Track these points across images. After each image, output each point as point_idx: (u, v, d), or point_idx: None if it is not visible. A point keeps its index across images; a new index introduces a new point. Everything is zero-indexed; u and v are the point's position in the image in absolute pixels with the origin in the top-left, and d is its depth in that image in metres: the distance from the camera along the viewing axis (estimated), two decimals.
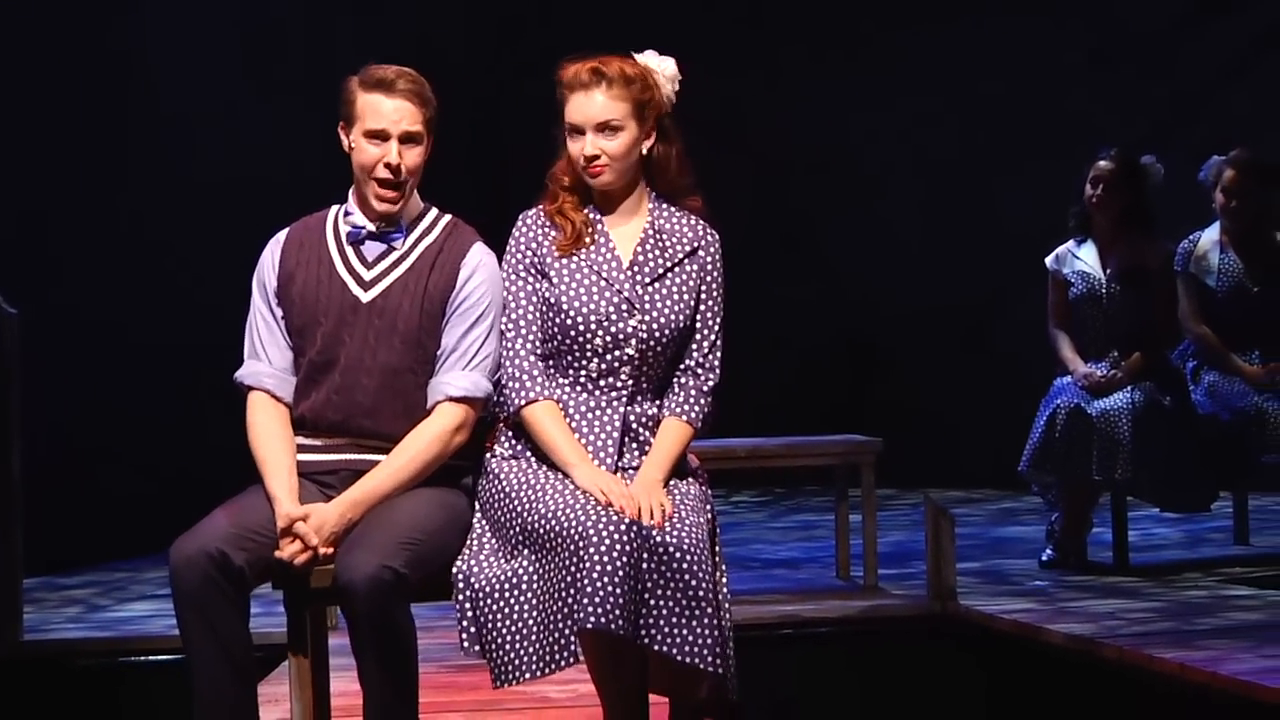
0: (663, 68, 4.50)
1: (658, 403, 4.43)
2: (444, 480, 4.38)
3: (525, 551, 4.20)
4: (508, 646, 4.15)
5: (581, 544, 4.06)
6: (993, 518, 9.22)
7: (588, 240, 4.43)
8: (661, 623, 4.09)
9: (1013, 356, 9.46)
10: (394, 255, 4.44)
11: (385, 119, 4.36)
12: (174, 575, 4.12)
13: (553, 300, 4.38)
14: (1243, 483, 7.68)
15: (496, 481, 4.35)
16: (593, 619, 4.00)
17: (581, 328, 4.36)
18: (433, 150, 4.45)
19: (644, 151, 4.45)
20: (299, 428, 4.41)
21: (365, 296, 4.41)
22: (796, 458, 7.42)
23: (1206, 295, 7.50)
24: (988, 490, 9.90)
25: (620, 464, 4.35)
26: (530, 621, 4.15)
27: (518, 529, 4.23)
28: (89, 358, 8.44)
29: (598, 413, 4.37)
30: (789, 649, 6.42)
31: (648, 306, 4.39)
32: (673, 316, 4.40)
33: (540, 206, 4.49)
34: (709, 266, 4.47)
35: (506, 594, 4.18)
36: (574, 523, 4.10)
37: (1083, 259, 7.39)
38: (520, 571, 4.19)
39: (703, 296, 4.46)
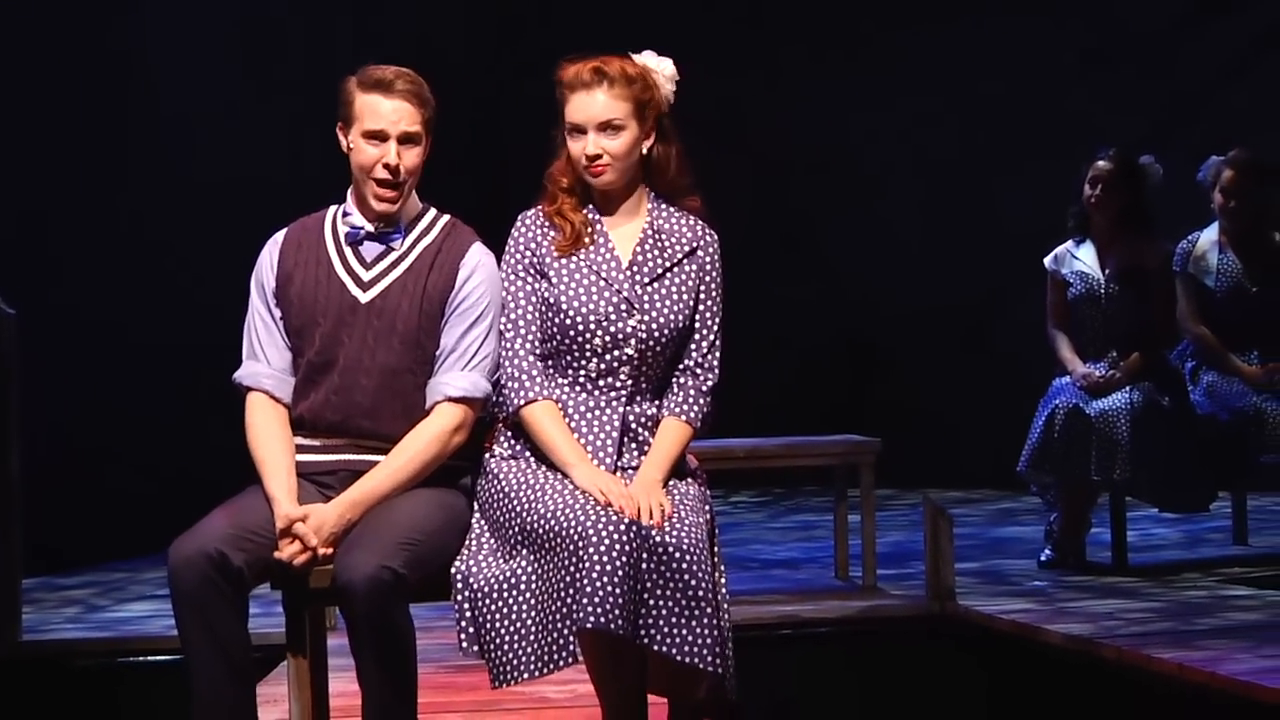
0: (661, 68, 4.50)
1: (657, 403, 4.43)
2: (443, 480, 4.39)
3: (524, 551, 4.20)
4: (506, 647, 4.16)
5: (581, 544, 4.07)
6: (991, 518, 9.22)
7: (587, 240, 4.43)
8: (661, 623, 4.10)
9: (1012, 357, 9.46)
10: (392, 256, 4.44)
11: (384, 119, 4.36)
12: (172, 576, 4.13)
13: (552, 300, 4.39)
14: (1241, 483, 7.68)
15: (495, 481, 4.35)
16: (592, 619, 4.01)
17: (581, 327, 4.36)
18: (431, 150, 4.45)
19: (644, 151, 4.46)
20: (297, 428, 4.41)
21: (364, 297, 4.41)
22: (795, 458, 7.42)
23: (1205, 295, 7.50)
24: (986, 490, 9.90)
25: (620, 464, 4.35)
26: (529, 621, 4.15)
27: (517, 529, 4.23)
28: (89, 358, 8.44)
29: (597, 413, 4.37)
30: (788, 649, 6.42)
31: (647, 306, 4.39)
32: (672, 316, 4.40)
33: (539, 207, 4.49)
34: (708, 266, 4.47)
35: (505, 594, 4.18)
36: (573, 523, 4.10)
37: (1081, 259, 7.39)
38: (519, 572, 4.19)
39: (702, 296, 4.46)
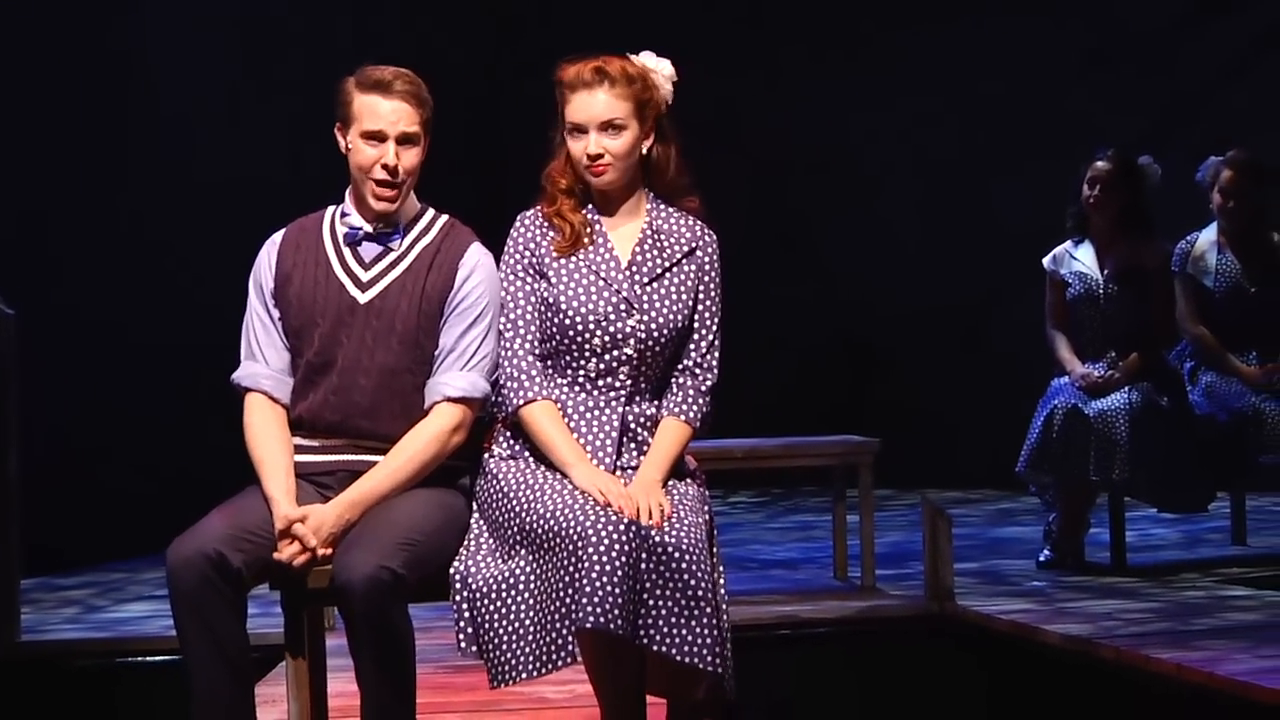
0: (660, 68, 4.51)
1: (656, 403, 4.43)
2: (442, 481, 4.39)
3: (523, 551, 4.20)
4: (505, 647, 4.16)
5: (580, 544, 4.07)
6: (990, 518, 9.22)
7: (586, 241, 4.43)
8: (660, 623, 4.10)
9: (1010, 357, 9.46)
10: (391, 256, 4.44)
11: (382, 120, 4.36)
12: (171, 576, 4.13)
13: (551, 300, 4.39)
14: (1240, 483, 7.68)
15: (495, 481, 4.35)
16: (591, 619, 4.01)
17: (580, 327, 4.37)
18: (430, 151, 4.45)
19: (643, 152, 4.46)
20: (296, 428, 4.41)
21: (363, 298, 4.41)
22: (794, 458, 7.42)
23: (1204, 296, 7.50)
24: (985, 491, 9.91)
25: (619, 464, 4.36)
26: (527, 621, 4.15)
27: (516, 529, 4.23)
28: (88, 358, 8.45)
29: (596, 412, 4.38)
30: (786, 649, 6.41)
31: (646, 306, 4.39)
32: (671, 316, 4.41)
33: (538, 208, 4.49)
34: (707, 267, 4.48)
35: (504, 594, 4.18)
36: (573, 522, 4.10)
37: (1080, 259, 7.39)
38: (518, 572, 4.19)
39: (701, 296, 4.46)
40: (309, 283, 4.42)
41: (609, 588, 4.02)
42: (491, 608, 4.18)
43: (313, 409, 4.40)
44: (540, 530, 4.16)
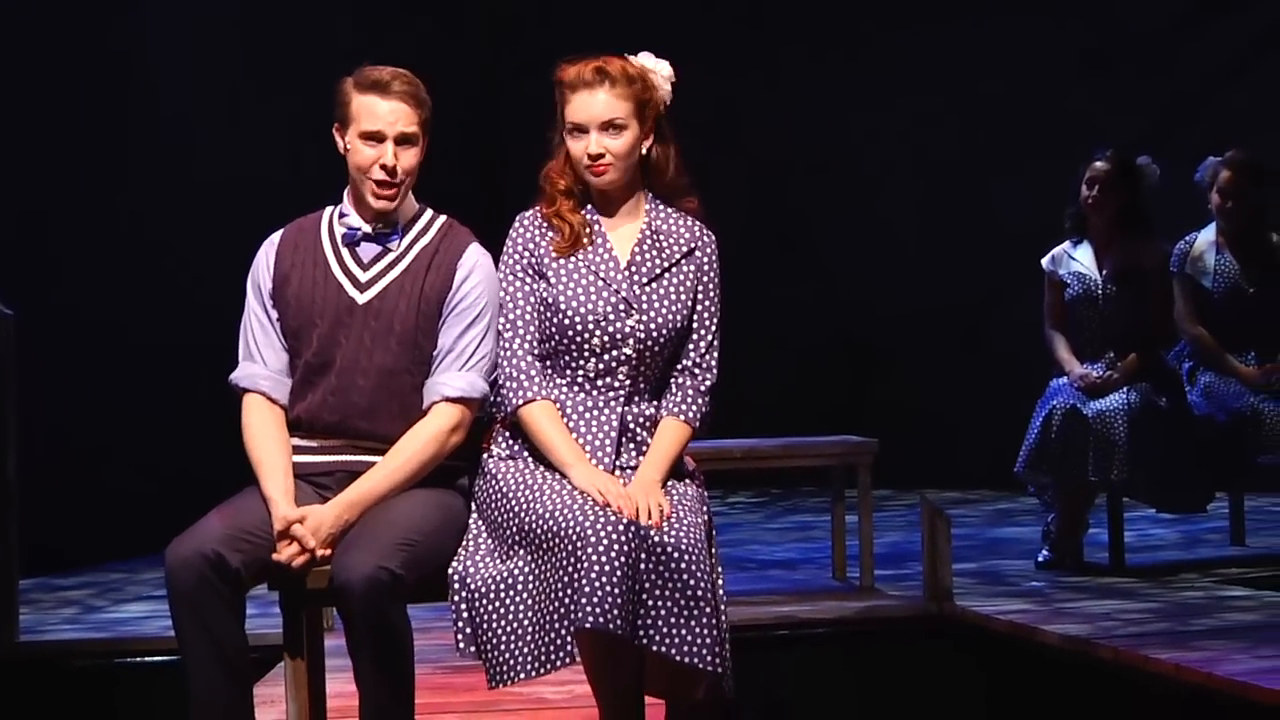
0: (659, 68, 4.51)
1: (655, 403, 4.43)
2: (440, 481, 4.39)
3: (522, 552, 4.21)
4: (503, 647, 4.16)
5: (579, 544, 4.07)
6: (989, 518, 9.22)
7: (585, 241, 4.44)
8: (660, 623, 4.10)
9: (1009, 357, 9.46)
10: (390, 257, 4.44)
11: (381, 120, 4.36)
12: (169, 577, 4.13)
13: (550, 300, 4.39)
14: (1239, 483, 7.68)
15: (493, 481, 4.35)
16: (591, 619, 4.01)
17: (579, 327, 4.37)
18: (428, 151, 4.45)
19: (643, 152, 4.47)
20: (295, 429, 4.41)
21: (361, 298, 4.41)
22: (793, 459, 7.42)
23: (1203, 296, 7.50)
24: (984, 491, 9.91)
25: (618, 463, 4.36)
26: (526, 622, 4.15)
27: (515, 529, 4.23)
28: (88, 358, 8.45)
29: (595, 412, 4.38)
30: (785, 650, 6.41)
31: (645, 306, 4.40)
32: (670, 316, 4.41)
33: (537, 208, 4.49)
34: (706, 267, 4.48)
35: (502, 594, 4.18)
36: (572, 523, 4.11)
37: (1079, 260, 7.40)
38: (516, 572, 4.19)
39: (700, 297, 4.47)
40: (307, 283, 4.42)
41: (608, 588, 4.02)
42: (490, 608, 4.18)
43: (311, 409, 4.40)
44: (539, 530, 4.16)
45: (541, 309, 4.41)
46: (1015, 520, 9.01)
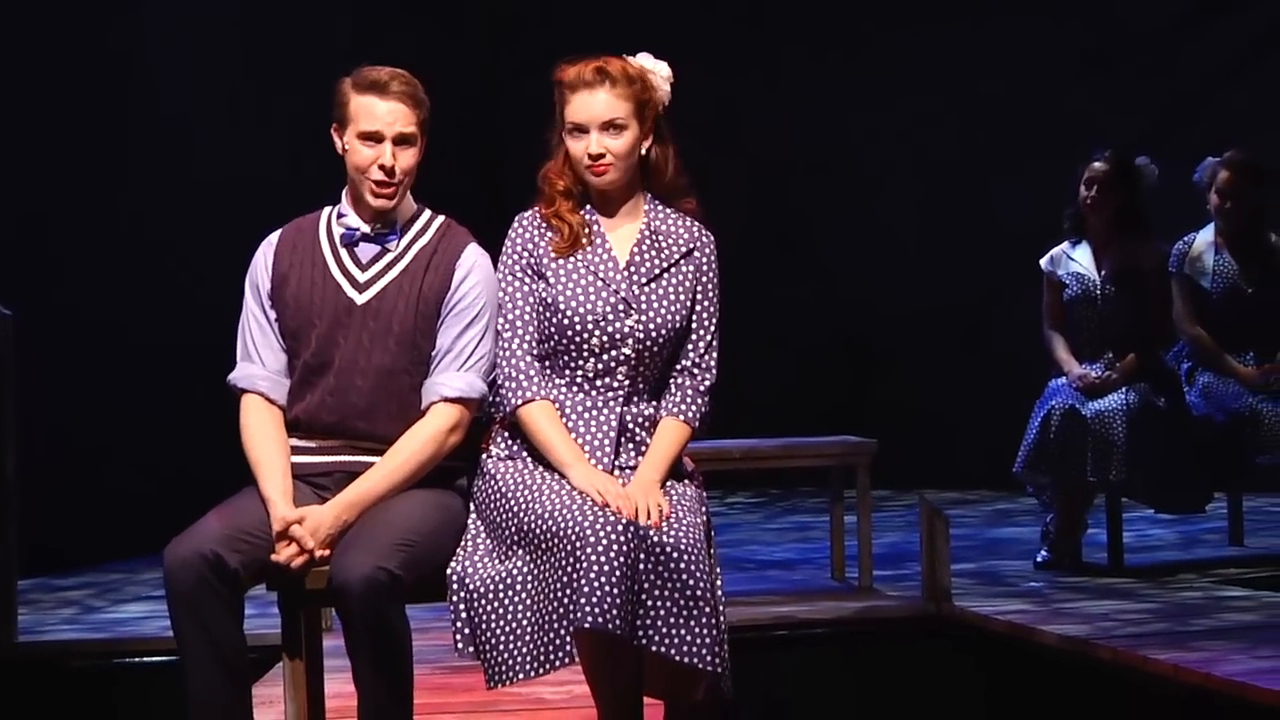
0: (658, 69, 4.52)
1: (654, 403, 4.44)
2: (439, 481, 4.39)
3: (520, 552, 4.21)
4: (502, 647, 4.16)
5: (578, 544, 4.07)
6: (988, 519, 9.22)
7: (585, 242, 4.44)
8: (659, 623, 4.10)
9: (1008, 357, 9.46)
10: (388, 257, 4.45)
11: (379, 121, 4.36)
12: (168, 577, 4.13)
13: (550, 300, 4.39)
14: (1237, 484, 7.68)
15: (492, 482, 4.35)
16: (590, 619, 4.01)
17: (579, 327, 4.37)
18: (427, 151, 4.45)
19: (642, 152, 4.47)
20: (293, 430, 4.41)
21: (360, 298, 4.41)
22: (792, 459, 7.42)
23: (1201, 296, 7.50)
24: (983, 491, 9.91)
25: (617, 463, 4.36)
26: (525, 622, 4.15)
27: (513, 529, 4.23)
28: (87, 358, 8.45)
29: (594, 412, 4.38)
30: (784, 650, 6.42)
31: (644, 306, 4.40)
32: (669, 316, 4.41)
33: (536, 209, 4.50)
34: (705, 267, 4.49)
35: (501, 595, 4.18)
36: (571, 523, 4.11)
37: (1077, 260, 7.40)
38: (515, 572, 4.19)
39: (699, 297, 4.47)
40: (306, 283, 4.42)
41: (607, 588, 4.02)
42: (489, 608, 4.18)
43: (309, 410, 4.40)
44: (538, 530, 4.16)
45: (541, 309, 4.41)
46: (1014, 520, 9.01)
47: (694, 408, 4.44)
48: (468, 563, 4.27)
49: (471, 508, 4.41)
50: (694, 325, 4.46)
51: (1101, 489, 7.27)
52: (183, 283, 8.80)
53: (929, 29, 10.56)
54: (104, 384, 8.53)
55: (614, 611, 4.02)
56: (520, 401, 4.37)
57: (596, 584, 4.03)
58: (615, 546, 4.06)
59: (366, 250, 4.45)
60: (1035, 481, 7.39)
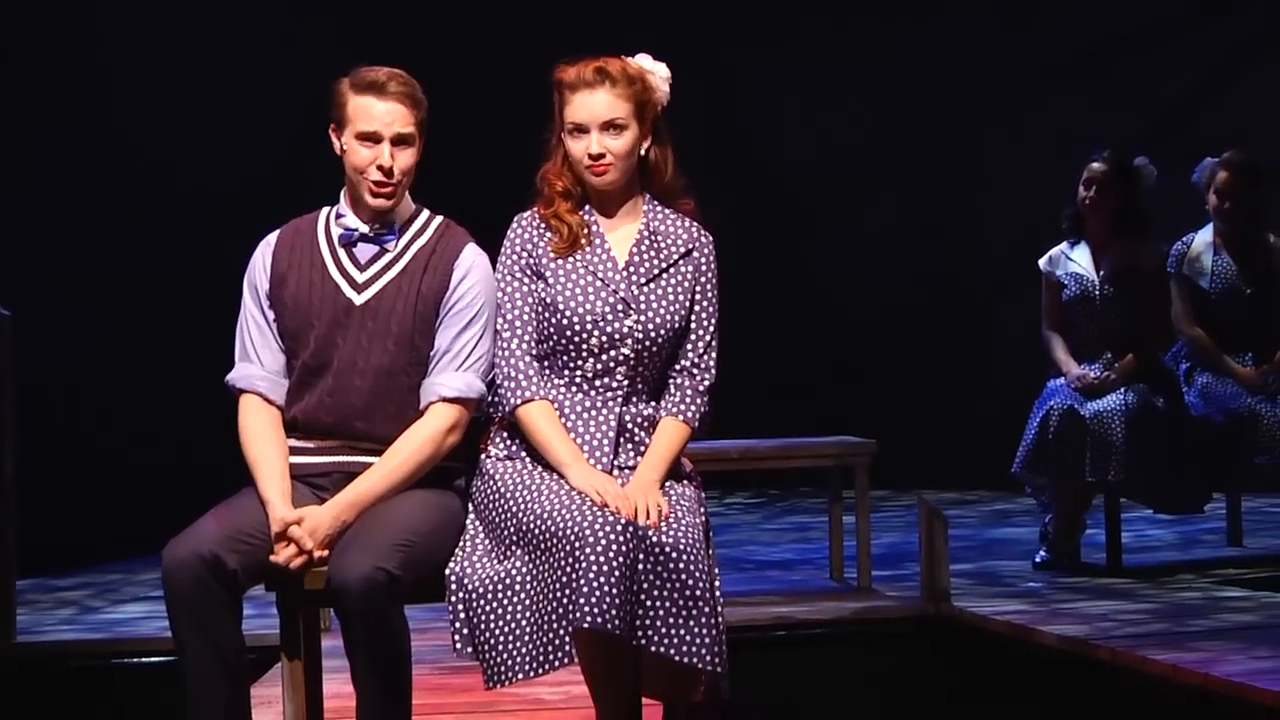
0: (656, 70, 4.52)
1: (653, 403, 4.44)
2: (437, 482, 4.39)
3: (519, 552, 4.20)
4: (500, 647, 4.16)
5: (578, 544, 4.07)
6: (986, 519, 9.22)
7: (583, 242, 4.44)
8: (659, 623, 4.10)
9: (1007, 358, 9.47)
10: (387, 257, 4.44)
11: (377, 121, 4.36)
12: (166, 578, 4.13)
13: (549, 300, 4.39)
14: (1236, 484, 7.68)
15: (491, 482, 4.35)
16: (589, 619, 4.01)
17: (577, 327, 4.37)
18: (425, 151, 4.45)
19: (641, 153, 4.47)
20: (291, 430, 4.41)
21: (358, 299, 4.41)
22: (790, 459, 7.42)
23: (1200, 297, 7.50)
24: (981, 492, 9.90)
25: (616, 463, 4.36)
26: (523, 622, 4.15)
27: (512, 529, 4.23)
28: (85, 358, 8.45)
29: (593, 412, 4.38)
30: (783, 650, 6.42)
31: (643, 306, 4.40)
32: (668, 317, 4.41)
33: (535, 209, 4.49)
34: (703, 268, 4.48)
35: (500, 595, 4.18)
36: (570, 523, 4.10)
37: (1076, 261, 7.40)
38: (514, 572, 4.19)
39: (697, 297, 4.47)
40: (304, 284, 4.42)
41: (606, 588, 4.02)
42: (487, 608, 4.18)
43: (308, 410, 4.39)
44: (537, 530, 4.16)
45: (540, 309, 4.41)
46: (1013, 521, 9.01)
47: (693, 408, 4.43)
48: (466, 563, 4.27)
49: (470, 508, 4.41)
50: (693, 325, 4.46)
51: (1100, 489, 7.27)
52: (181, 283, 8.79)
53: (926, 29, 10.55)
54: (100, 385, 8.53)
55: (613, 611, 4.01)
56: (519, 401, 4.36)
57: (596, 584, 4.02)
58: (614, 546, 4.06)
59: (365, 251, 4.45)
60: (1034, 482, 7.40)
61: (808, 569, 7.80)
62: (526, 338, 4.41)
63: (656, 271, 4.44)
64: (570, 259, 4.42)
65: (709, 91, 10.23)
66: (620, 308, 4.39)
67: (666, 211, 4.51)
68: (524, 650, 4.13)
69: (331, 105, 4.42)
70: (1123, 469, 7.08)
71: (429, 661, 5.60)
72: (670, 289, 4.44)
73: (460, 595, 4.23)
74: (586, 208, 4.48)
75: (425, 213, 4.51)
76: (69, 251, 8.49)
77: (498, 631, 4.16)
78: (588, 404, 4.39)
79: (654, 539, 4.12)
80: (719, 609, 4.21)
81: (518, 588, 4.17)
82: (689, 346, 4.46)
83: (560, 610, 4.07)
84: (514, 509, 4.24)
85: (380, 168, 4.37)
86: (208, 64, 9.15)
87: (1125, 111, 9.94)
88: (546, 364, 4.41)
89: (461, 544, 4.33)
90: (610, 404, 4.39)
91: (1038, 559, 7.45)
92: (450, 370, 4.38)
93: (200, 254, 8.44)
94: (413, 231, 4.47)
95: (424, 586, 4.23)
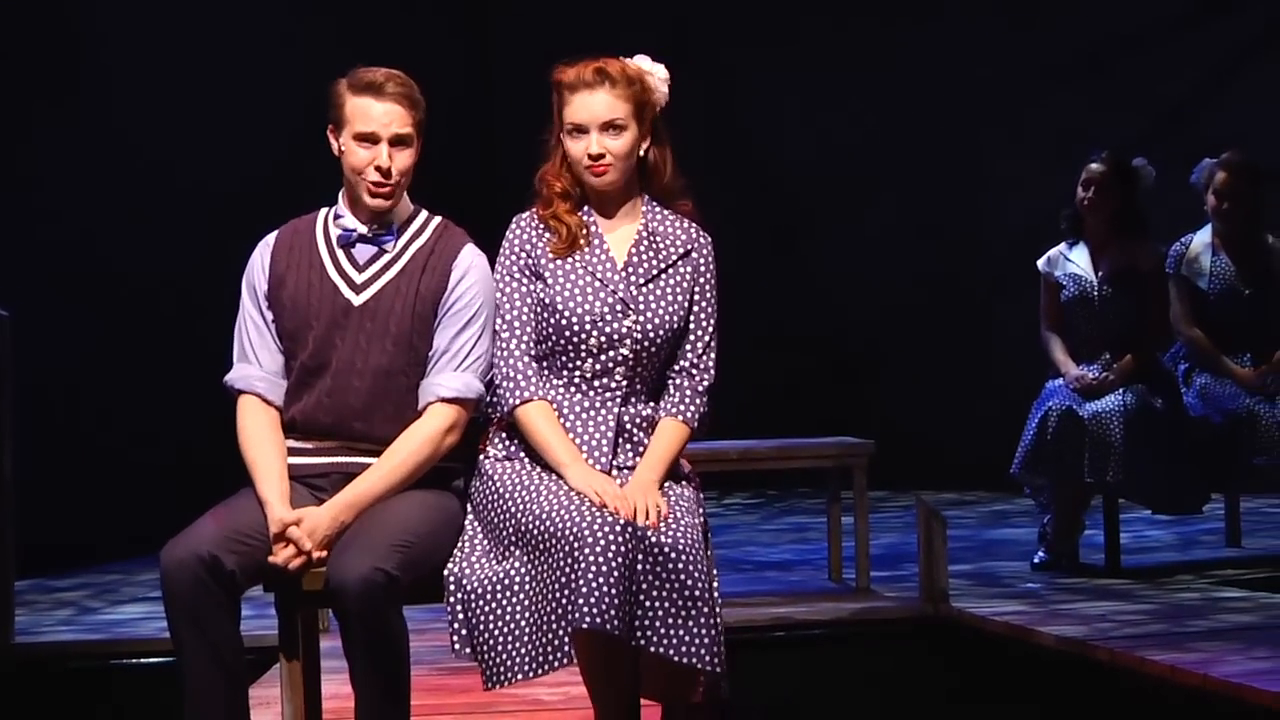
0: (655, 71, 4.52)
1: (652, 404, 4.44)
2: (436, 482, 4.39)
3: (518, 552, 4.20)
4: (499, 648, 4.16)
5: (576, 544, 4.07)
6: (985, 520, 9.22)
7: (582, 243, 4.44)
8: (658, 624, 4.10)
9: (1005, 358, 9.47)
10: (385, 258, 4.44)
11: (375, 122, 4.36)
12: (164, 578, 4.13)
13: (548, 301, 4.39)
14: (1234, 485, 7.68)
15: (490, 482, 4.35)
16: (588, 619, 4.01)
17: (576, 328, 4.37)
18: (423, 152, 4.45)
19: (640, 154, 4.47)
20: (290, 431, 4.41)
21: (357, 299, 4.41)
22: (789, 460, 7.42)
23: (1198, 298, 7.50)
24: (980, 492, 9.91)
25: (615, 464, 4.36)
26: (522, 623, 4.15)
27: (511, 530, 4.23)
28: (84, 359, 8.45)
29: (592, 413, 4.38)
30: (781, 651, 6.42)
31: (642, 307, 4.40)
32: (666, 317, 4.41)
33: (534, 210, 4.50)
34: (702, 268, 4.49)
35: (498, 595, 4.18)
36: (569, 523, 4.11)
37: (1075, 261, 7.40)
38: (512, 573, 4.19)
39: (696, 298, 4.47)
40: (303, 285, 4.42)
41: (605, 588, 4.02)
42: (486, 609, 4.18)
43: (306, 411, 4.39)
44: (536, 531, 4.16)
45: (539, 310, 4.41)
46: (1011, 521, 9.02)
47: (692, 408, 4.43)
48: (465, 564, 4.27)
49: (469, 508, 4.41)
50: (692, 326, 4.46)
51: (1099, 490, 7.27)
52: (179, 283, 8.80)
53: (926, 29, 10.56)
54: (99, 385, 8.53)
55: (612, 612, 4.02)
56: (518, 402, 4.37)
57: (595, 584, 4.02)
58: (613, 547, 4.06)
59: (363, 251, 4.45)
60: (1032, 483, 7.40)
61: (806, 570, 7.80)
62: (525, 338, 4.41)
63: (655, 272, 4.44)
64: (569, 259, 4.42)
65: (709, 92, 10.23)
66: (619, 308, 4.39)
67: (665, 212, 4.51)
68: (523, 651, 4.13)
69: (329, 106, 4.42)
70: (1121, 470, 7.08)
71: (428, 662, 5.60)
72: (669, 289, 4.44)
73: (459, 596, 4.23)
74: (585, 208, 4.49)
75: (423, 213, 4.51)
76: (69, 251, 8.50)
77: (496, 632, 4.16)
78: (586, 404, 4.39)
79: (653, 539, 4.12)
80: (718, 609, 4.21)
81: (516, 588, 4.17)
82: (688, 347, 4.46)
83: (559, 611, 4.07)
84: (513, 509, 4.24)
85: (378, 168, 4.37)
86: (208, 64, 9.14)
87: (1125, 111, 9.94)
88: (545, 364, 4.42)
89: (460, 544, 4.33)
90: (609, 404, 4.39)
91: (1036, 559, 7.45)
92: (449, 370, 4.38)
93: (200, 254, 8.43)
94: (411, 232, 4.47)
95: (422, 587, 4.23)
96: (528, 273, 4.43)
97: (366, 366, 4.38)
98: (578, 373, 4.39)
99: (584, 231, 4.45)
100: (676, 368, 4.45)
